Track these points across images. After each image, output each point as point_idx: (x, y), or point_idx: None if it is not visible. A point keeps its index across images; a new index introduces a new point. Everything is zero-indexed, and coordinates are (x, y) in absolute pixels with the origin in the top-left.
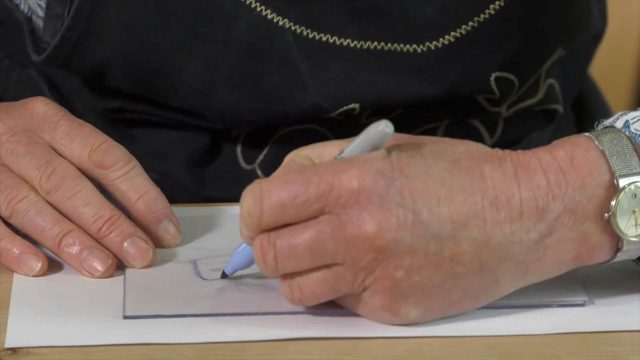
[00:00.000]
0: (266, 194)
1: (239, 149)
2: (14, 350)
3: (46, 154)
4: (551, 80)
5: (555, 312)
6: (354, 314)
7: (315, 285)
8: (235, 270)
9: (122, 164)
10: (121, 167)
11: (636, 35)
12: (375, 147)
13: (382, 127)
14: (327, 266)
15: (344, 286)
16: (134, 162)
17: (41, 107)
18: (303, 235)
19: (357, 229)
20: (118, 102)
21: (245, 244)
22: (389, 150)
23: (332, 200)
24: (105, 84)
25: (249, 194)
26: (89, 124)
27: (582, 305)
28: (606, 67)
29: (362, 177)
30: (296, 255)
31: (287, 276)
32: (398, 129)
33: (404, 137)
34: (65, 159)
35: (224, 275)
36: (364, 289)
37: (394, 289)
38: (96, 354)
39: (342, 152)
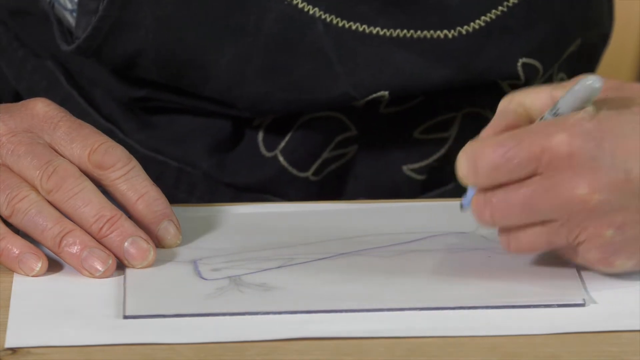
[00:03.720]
0: (480, 157)
1: (260, 137)
2: (14, 350)
3: (47, 154)
4: (562, 75)
5: (555, 312)
6: (357, 311)
7: (531, 238)
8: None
9: (122, 164)
10: (121, 168)
11: (636, 35)
12: (586, 101)
13: (591, 83)
14: (542, 222)
15: (559, 241)
16: (134, 162)
17: (42, 108)
18: (517, 196)
19: (569, 190)
20: (144, 91)
21: None
22: (598, 106)
23: (544, 163)
24: (135, 74)
25: (464, 156)
26: (89, 125)
27: (582, 304)
28: (606, 69)
29: (572, 141)
30: (511, 213)
31: (505, 229)
32: (414, 119)
33: (614, 87)
34: (66, 159)
35: (462, 207)
36: (579, 244)
37: (607, 245)
38: (96, 354)
39: (555, 106)
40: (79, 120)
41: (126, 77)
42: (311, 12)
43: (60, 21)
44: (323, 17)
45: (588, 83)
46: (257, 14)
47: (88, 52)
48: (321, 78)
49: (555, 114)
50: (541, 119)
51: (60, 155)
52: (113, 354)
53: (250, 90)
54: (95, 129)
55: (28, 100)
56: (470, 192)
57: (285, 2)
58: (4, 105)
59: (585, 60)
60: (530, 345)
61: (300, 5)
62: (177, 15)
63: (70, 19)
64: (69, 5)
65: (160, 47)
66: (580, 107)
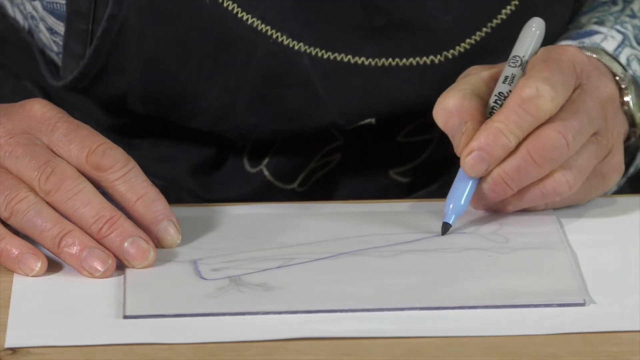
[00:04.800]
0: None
1: (245, 156)
2: (14, 350)
3: (45, 155)
4: None
5: (555, 312)
6: (357, 311)
7: (588, 159)
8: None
9: (120, 165)
10: (119, 169)
11: None
12: (540, 41)
13: (539, 23)
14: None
15: (603, 152)
16: (132, 163)
17: (39, 109)
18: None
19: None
20: (128, 119)
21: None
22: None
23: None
24: (123, 108)
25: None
26: (87, 126)
27: (582, 304)
28: None
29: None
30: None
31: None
32: (397, 123)
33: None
34: (64, 160)
35: (445, 229)
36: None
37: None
38: (96, 354)
39: (515, 58)
40: (76, 121)
41: (111, 107)
42: (297, 47)
43: (43, 52)
44: (309, 51)
45: (538, 24)
46: (244, 52)
47: (75, 90)
48: (309, 109)
49: (522, 64)
50: (507, 79)
51: (58, 156)
52: (113, 354)
53: (239, 122)
54: (93, 130)
55: (25, 101)
56: (457, 203)
57: (271, 40)
58: (1, 107)
59: None
60: (530, 345)
61: (285, 42)
62: (163, 57)
63: (57, 59)
64: (55, 48)
65: (147, 87)
66: (537, 50)
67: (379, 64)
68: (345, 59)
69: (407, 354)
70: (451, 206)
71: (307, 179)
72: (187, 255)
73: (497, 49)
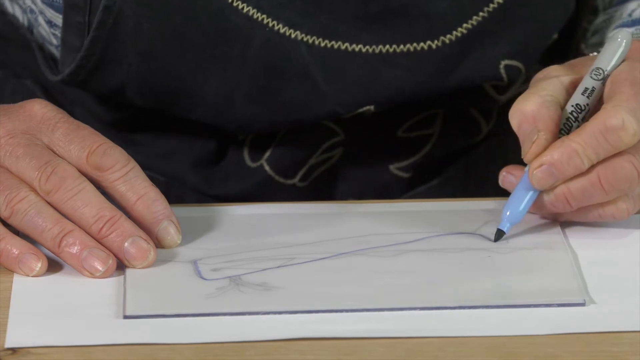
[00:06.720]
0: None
1: (245, 150)
2: (14, 350)
3: (45, 155)
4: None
5: (555, 312)
6: (357, 311)
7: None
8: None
9: (120, 165)
10: (119, 169)
11: None
12: (624, 55)
13: (625, 36)
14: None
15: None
16: (132, 163)
17: (39, 110)
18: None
19: None
20: (127, 113)
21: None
22: None
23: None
24: (123, 102)
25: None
26: (87, 126)
27: (582, 304)
28: None
29: None
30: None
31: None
32: (397, 117)
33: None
34: (64, 160)
35: (499, 236)
36: None
37: None
38: (96, 354)
39: (597, 70)
40: (76, 122)
41: (110, 101)
42: (293, 35)
43: (42, 47)
44: (305, 39)
45: (624, 36)
46: (241, 42)
47: (73, 84)
48: (308, 98)
49: (604, 77)
50: (586, 91)
51: (59, 156)
52: (113, 354)
53: (238, 114)
54: (93, 130)
55: (25, 101)
56: (515, 213)
57: (267, 29)
58: (2, 107)
59: (557, 50)
60: (530, 345)
61: (282, 30)
62: (160, 49)
63: (56, 53)
64: (54, 41)
65: (145, 80)
66: (620, 62)
67: (377, 51)
68: (343, 47)
69: (407, 354)
70: (508, 213)
71: (308, 174)
72: (187, 255)
73: (494, 33)
